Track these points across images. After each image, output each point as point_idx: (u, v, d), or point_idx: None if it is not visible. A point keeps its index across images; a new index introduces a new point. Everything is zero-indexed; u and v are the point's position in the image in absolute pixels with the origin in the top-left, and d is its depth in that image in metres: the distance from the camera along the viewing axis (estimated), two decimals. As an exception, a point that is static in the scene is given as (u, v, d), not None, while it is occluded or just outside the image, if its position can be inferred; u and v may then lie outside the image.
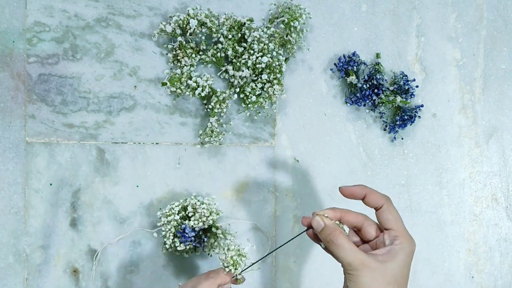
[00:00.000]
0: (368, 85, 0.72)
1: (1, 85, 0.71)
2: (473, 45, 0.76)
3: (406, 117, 0.73)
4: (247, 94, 0.69)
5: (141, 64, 0.72)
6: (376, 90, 0.72)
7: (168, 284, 0.73)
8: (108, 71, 0.72)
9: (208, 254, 0.72)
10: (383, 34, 0.75)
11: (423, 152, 0.76)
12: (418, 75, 0.75)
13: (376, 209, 0.56)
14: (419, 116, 0.74)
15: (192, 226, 0.67)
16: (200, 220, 0.67)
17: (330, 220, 0.55)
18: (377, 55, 0.74)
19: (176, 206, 0.68)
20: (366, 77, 0.73)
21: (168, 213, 0.68)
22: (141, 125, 0.72)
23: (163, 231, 0.68)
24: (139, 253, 0.73)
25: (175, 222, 0.68)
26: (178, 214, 0.68)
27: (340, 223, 0.55)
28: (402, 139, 0.75)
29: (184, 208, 0.69)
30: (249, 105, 0.70)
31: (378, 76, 0.72)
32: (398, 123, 0.73)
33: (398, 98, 0.72)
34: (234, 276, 0.60)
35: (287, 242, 0.61)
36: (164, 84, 0.70)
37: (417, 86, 0.74)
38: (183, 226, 0.67)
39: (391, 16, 0.75)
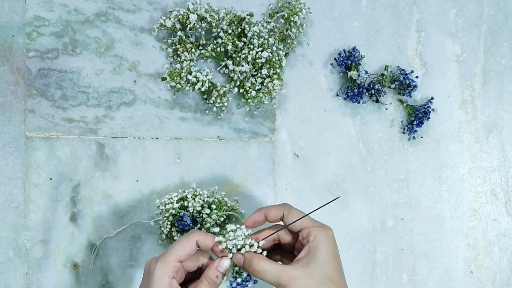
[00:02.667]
0: (366, 89, 0.72)
1: (1, 80, 0.71)
2: (473, 40, 0.76)
3: (421, 115, 0.73)
4: (247, 89, 0.69)
5: (140, 59, 0.72)
6: (372, 91, 0.72)
7: (168, 278, 0.73)
8: (108, 65, 0.72)
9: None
10: (383, 29, 0.75)
11: (422, 147, 0.76)
12: (418, 70, 0.75)
13: (283, 221, 0.56)
14: (433, 109, 0.74)
15: (190, 212, 0.66)
16: (198, 204, 0.66)
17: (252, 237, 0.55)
18: (386, 68, 0.73)
19: (175, 196, 0.68)
20: (366, 85, 0.72)
21: (167, 202, 0.68)
22: (141, 119, 0.72)
23: (161, 220, 0.68)
24: (138, 247, 0.73)
25: (173, 211, 0.67)
26: (177, 203, 0.68)
27: (257, 243, 0.55)
28: (422, 137, 0.75)
29: (183, 198, 0.68)
30: (249, 100, 0.70)
31: (377, 87, 0.72)
32: (415, 123, 0.73)
33: (404, 101, 0.72)
34: (223, 247, 0.55)
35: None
36: (164, 79, 0.70)
37: (417, 77, 0.74)
38: (181, 213, 0.67)
39: (391, 11, 0.75)
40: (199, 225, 0.67)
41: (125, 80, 0.72)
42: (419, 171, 0.76)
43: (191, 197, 0.67)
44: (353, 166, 0.75)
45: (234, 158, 0.74)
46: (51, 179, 0.72)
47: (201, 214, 0.67)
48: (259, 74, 0.69)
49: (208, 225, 0.66)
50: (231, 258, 0.55)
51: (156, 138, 0.73)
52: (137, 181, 0.72)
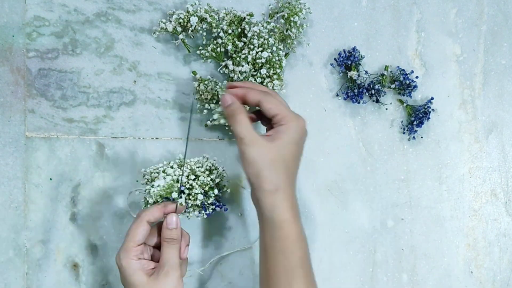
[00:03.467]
0: (366, 89, 0.72)
1: (1, 80, 0.71)
2: (473, 40, 0.76)
3: (421, 115, 0.73)
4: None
5: (141, 59, 0.72)
6: (372, 92, 0.72)
7: (168, 278, 0.73)
8: (108, 65, 0.72)
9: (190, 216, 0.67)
10: (383, 29, 0.75)
11: (422, 148, 0.76)
12: (418, 70, 0.75)
13: (257, 106, 0.59)
14: (433, 109, 0.74)
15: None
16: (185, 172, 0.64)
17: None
18: (386, 68, 0.73)
19: (161, 167, 0.65)
20: (366, 85, 0.72)
21: (151, 171, 0.65)
22: (141, 120, 0.72)
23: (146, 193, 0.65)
24: (139, 247, 0.73)
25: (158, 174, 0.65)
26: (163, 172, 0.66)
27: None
28: (422, 137, 0.75)
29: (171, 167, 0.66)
30: None
31: (377, 87, 0.72)
32: (415, 123, 0.73)
33: (404, 101, 0.72)
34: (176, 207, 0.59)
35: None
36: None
37: (417, 77, 0.74)
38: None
39: (391, 11, 0.75)
40: (186, 195, 0.64)
41: (125, 80, 0.72)
42: (419, 171, 0.76)
43: (176, 166, 0.65)
44: (353, 166, 0.75)
45: (234, 158, 0.73)
46: (51, 179, 0.72)
47: (188, 182, 0.64)
48: (258, 74, 0.69)
49: (196, 191, 0.64)
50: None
51: (156, 138, 0.73)
52: (136, 181, 0.72)
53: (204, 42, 0.71)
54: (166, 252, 0.59)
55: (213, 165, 0.65)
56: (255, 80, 0.69)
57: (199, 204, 0.63)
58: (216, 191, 0.63)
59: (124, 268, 0.58)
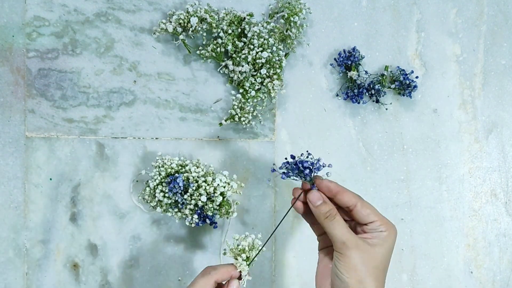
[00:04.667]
0: (366, 89, 0.72)
1: (1, 80, 0.71)
2: (473, 40, 0.76)
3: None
4: (246, 88, 0.69)
5: (140, 59, 0.72)
6: (372, 92, 0.72)
7: (168, 278, 0.73)
8: (108, 66, 0.72)
9: (179, 218, 0.68)
10: (383, 29, 0.75)
11: (422, 148, 0.76)
12: (418, 70, 0.75)
13: (349, 209, 0.55)
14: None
15: (187, 177, 0.65)
16: (200, 172, 0.66)
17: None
18: (386, 68, 0.73)
19: (177, 160, 0.67)
20: (366, 85, 0.72)
21: (166, 161, 0.67)
22: (141, 120, 0.72)
23: (153, 174, 0.67)
24: (139, 247, 0.73)
25: (171, 170, 0.66)
26: (176, 166, 0.67)
27: None
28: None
29: (183, 165, 0.68)
30: (249, 100, 0.70)
31: (377, 87, 0.72)
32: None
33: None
34: (240, 273, 0.56)
35: (282, 219, 0.59)
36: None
37: (417, 77, 0.74)
38: (177, 175, 0.65)
39: (391, 11, 0.75)
40: (188, 194, 0.65)
41: (125, 80, 0.72)
42: (419, 171, 0.76)
43: (192, 166, 0.67)
44: (353, 166, 0.75)
45: (234, 158, 0.74)
46: (51, 179, 0.72)
47: (198, 183, 0.65)
48: (258, 74, 0.69)
49: (197, 194, 0.65)
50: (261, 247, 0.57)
51: (156, 138, 0.73)
52: (136, 181, 0.72)
53: (204, 42, 0.71)
54: None
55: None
56: (255, 80, 0.69)
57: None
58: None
59: None
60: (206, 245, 0.74)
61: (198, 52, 0.71)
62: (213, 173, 0.68)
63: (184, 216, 0.67)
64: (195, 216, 0.66)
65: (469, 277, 0.76)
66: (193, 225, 0.66)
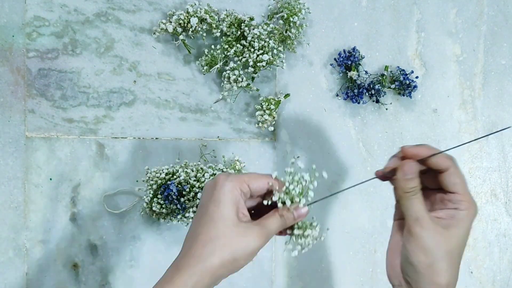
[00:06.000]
0: (366, 89, 0.72)
1: (1, 80, 0.71)
2: (473, 40, 0.76)
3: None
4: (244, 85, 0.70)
5: (140, 59, 0.72)
6: (372, 92, 0.72)
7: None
8: (108, 66, 0.72)
9: (186, 224, 0.69)
10: (383, 29, 0.75)
11: (422, 148, 0.76)
12: (418, 70, 0.75)
13: (440, 172, 0.49)
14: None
15: (179, 182, 0.66)
16: (191, 173, 0.67)
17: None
18: (386, 68, 0.73)
19: (165, 168, 0.69)
20: (366, 85, 0.72)
21: (155, 172, 0.68)
22: (141, 120, 0.72)
23: (146, 189, 0.68)
24: (138, 247, 0.73)
25: (160, 181, 0.68)
26: (166, 175, 0.68)
27: None
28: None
29: (173, 173, 0.69)
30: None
31: (377, 87, 0.72)
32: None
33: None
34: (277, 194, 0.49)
35: (354, 185, 0.55)
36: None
37: (417, 77, 0.74)
38: (169, 182, 0.67)
39: (391, 11, 0.75)
40: (185, 198, 0.67)
41: (125, 80, 0.72)
42: (419, 171, 0.76)
43: (181, 170, 0.68)
44: (353, 166, 0.75)
45: (235, 158, 0.73)
46: (51, 179, 0.72)
47: (190, 182, 0.67)
48: (259, 75, 0.70)
49: (193, 194, 0.66)
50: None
51: (156, 138, 0.73)
52: (136, 181, 0.72)
53: (205, 43, 0.71)
54: (273, 220, 0.50)
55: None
56: (252, 81, 0.69)
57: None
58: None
59: (224, 191, 0.48)
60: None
61: (201, 69, 0.71)
62: (201, 169, 0.68)
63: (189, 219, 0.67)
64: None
65: (469, 277, 0.76)
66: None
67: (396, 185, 0.50)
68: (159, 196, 0.67)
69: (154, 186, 0.67)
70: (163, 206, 0.67)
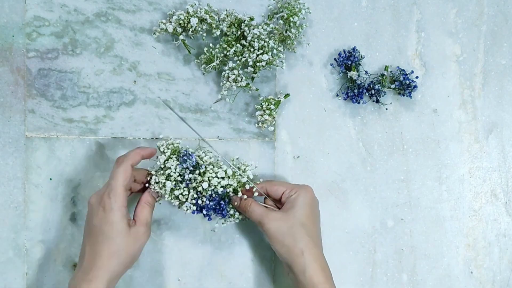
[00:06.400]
0: (366, 89, 0.72)
1: (1, 80, 0.71)
2: (473, 40, 0.76)
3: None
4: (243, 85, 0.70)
5: (140, 59, 0.72)
6: (372, 92, 0.72)
7: (167, 279, 0.73)
8: (108, 66, 0.72)
9: (186, 210, 0.66)
10: (383, 29, 0.75)
11: (422, 148, 0.76)
12: (418, 70, 0.75)
13: (266, 196, 0.67)
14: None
15: (199, 156, 0.66)
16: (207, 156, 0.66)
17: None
18: (386, 68, 0.73)
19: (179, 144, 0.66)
20: (366, 85, 0.72)
21: (169, 142, 0.65)
22: (141, 120, 0.72)
23: (161, 152, 0.65)
24: (139, 247, 0.73)
25: (175, 154, 0.65)
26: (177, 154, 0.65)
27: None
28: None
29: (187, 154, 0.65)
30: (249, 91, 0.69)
31: (377, 87, 0.71)
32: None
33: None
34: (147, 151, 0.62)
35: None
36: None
37: (417, 77, 0.74)
38: (190, 152, 0.64)
39: (391, 11, 0.75)
40: (196, 173, 0.64)
41: (125, 80, 0.72)
42: (419, 171, 0.76)
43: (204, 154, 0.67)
44: (353, 166, 0.75)
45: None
46: (51, 179, 0.72)
47: (204, 163, 0.65)
48: (258, 75, 0.69)
49: (208, 174, 0.64)
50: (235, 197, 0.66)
51: (156, 138, 0.73)
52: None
53: (205, 42, 0.71)
54: (145, 212, 0.63)
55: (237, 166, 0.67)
56: (252, 81, 0.69)
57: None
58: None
59: (113, 212, 0.59)
60: (206, 245, 0.74)
61: (202, 70, 0.71)
62: (217, 163, 0.66)
63: (186, 202, 0.65)
64: (193, 202, 0.65)
65: (469, 277, 0.76)
66: (188, 211, 0.64)
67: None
68: (174, 158, 0.64)
69: (170, 153, 0.64)
70: (176, 170, 0.64)
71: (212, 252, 0.74)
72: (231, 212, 0.67)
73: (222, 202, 0.65)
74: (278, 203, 0.67)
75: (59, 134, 0.72)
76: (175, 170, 0.64)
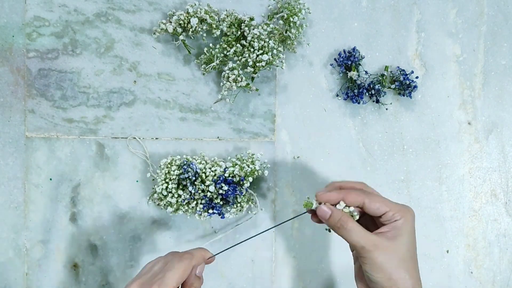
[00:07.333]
0: (366, 89, 0.72)
1: (1, 80, 0.71)
2: (473, 40, 0.76)
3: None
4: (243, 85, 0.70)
5: (140, 59, 0.72)
6: (372, 92, 0.72)
7: (167, 278, 0.73)
8: (108, 66, 0.72)
9: (189, 214, 0.69)
10: (383, 30, 0.75)
11: (422, 148, 0.76)
12: (418, 70, 0.75)
13: (359, 208, 0.55)
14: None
15: (199, 166, 0.67)
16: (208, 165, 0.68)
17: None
18: (386, 68, 0.73)
19: (178, 159, 0.68)
20: (366, 85, 0.72)
21: (168, 161, 0.68)
22: (141, 120, 0.72)
23: (158, 174, 0.68)
24: (138, 248, 0.73)
25: (174, 172, 0.67)
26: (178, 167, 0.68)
27: (346, 205, 0.54)
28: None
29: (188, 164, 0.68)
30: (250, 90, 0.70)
31: (377, 88, 0.72)
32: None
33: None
34: (211, 257, 0.57)
35: (285, 221, 0.61)
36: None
37: (417, 77, 0.74)
38: (189, 162, 0.67)
39: (391, 12, 0.75)
40: (199, 181, 0.67)
41: (125, 80, 0.72)
42: (419, 171, 0.76)
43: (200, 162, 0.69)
44: (353, 166, 0.75)
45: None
46: (51, 179, 0.72)
47: (205, 170, 0.67)
48: (258, 75, 0.69)
49: (208, 182, 0.67)
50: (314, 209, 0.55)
51: (156, 138, 0.73)
52: (137, 181, 0.72)
53: (205, 43, 0.71)
54: None
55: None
56: (252, 81, 0.69)
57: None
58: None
59: None
60: (206, 245, 0.74)
61: (202, 70, 0.71)
62: (216, 163, 0.69)
63: (195, 210, 0.67)
64: (203, 204, 0.67)
65: (469, 277, 0.76)
66: (204, 218, 0.67)
67: (330, 227, 0.55)
68: (173, 179, 0.67)
69: (173, 168, 0.67)
70: (178, 190, 0.66)
71: (212, 252, 0.74)
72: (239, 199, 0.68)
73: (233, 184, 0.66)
74: (366, 216, 0.57)
75: (59, 134, 0.72)
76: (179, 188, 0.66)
